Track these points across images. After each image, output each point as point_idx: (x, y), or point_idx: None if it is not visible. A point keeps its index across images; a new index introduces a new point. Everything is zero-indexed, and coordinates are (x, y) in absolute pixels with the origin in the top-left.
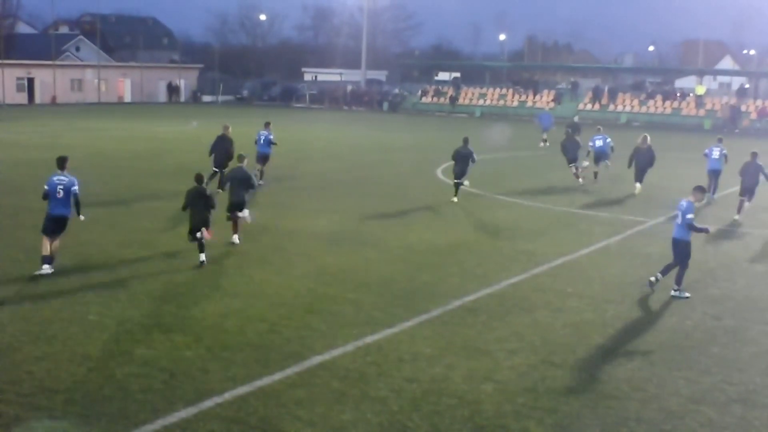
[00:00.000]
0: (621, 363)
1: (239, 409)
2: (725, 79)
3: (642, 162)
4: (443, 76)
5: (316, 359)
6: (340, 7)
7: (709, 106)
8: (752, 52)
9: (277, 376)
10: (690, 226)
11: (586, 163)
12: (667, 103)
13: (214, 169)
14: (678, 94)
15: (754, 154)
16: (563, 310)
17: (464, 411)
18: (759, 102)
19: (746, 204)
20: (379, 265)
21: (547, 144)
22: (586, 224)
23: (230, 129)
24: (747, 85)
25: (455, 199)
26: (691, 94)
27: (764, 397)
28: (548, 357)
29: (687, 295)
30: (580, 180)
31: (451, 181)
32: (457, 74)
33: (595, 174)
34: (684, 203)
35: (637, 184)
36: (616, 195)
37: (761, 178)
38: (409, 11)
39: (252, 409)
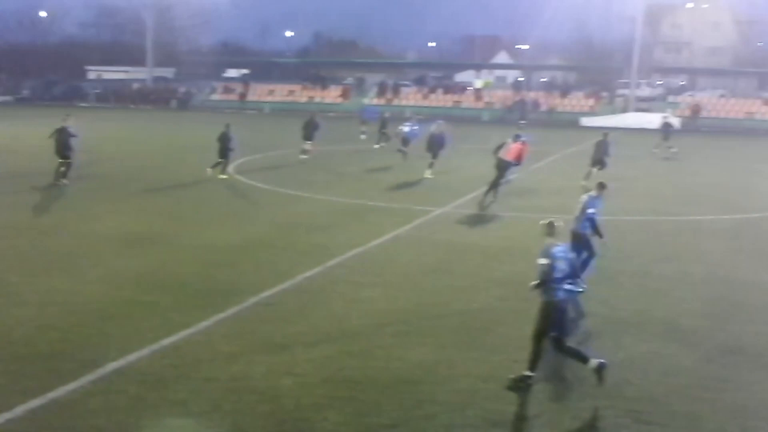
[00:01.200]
0: (414, 348)
1: (31, 424)
2: (501, 72)
3: (435, 146)
4: (232, 72)
5: (112, 365)
6: (124, 3)
7: (487, 99)
8: (525, 46)
9: (72, 386)
10: (591, 221)
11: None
12: (449, 96)
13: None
14: (468, 88)
15: (606, 134)
16: (358, 300)
17: (265, 407)
18: (533, 94)
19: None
20: (174, 265)
21: (364, 137)
22: (377, 215)
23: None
24: (521, 78)
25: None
26: (471, 88)
27: (547, 372)
28: (345, 347)
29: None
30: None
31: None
32: (246, 71)
33: (404, 153)
34: (586, 198)
35: (428, 170)
36: (406, 186)
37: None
38: (196, 8)
39: (45, 423)
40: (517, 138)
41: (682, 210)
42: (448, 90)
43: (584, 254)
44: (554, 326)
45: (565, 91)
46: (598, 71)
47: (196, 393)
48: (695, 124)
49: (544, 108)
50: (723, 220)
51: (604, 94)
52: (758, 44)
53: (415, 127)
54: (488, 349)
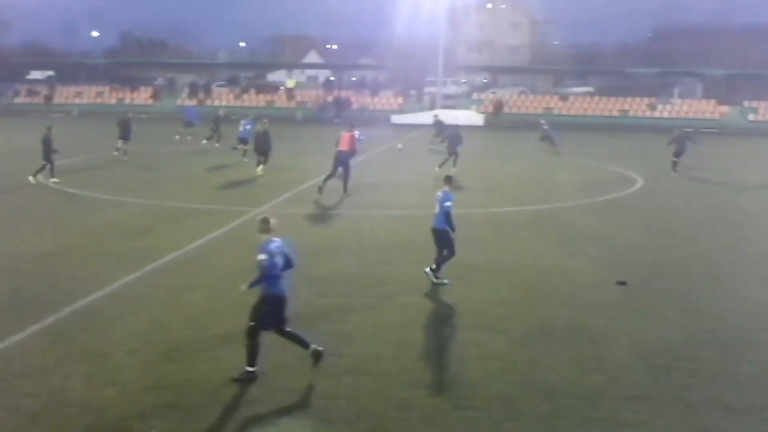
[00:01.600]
0: (238, 349)
1: None
2: (312, 72)
3: (262, 144)
4: (36, 74)
5: None
6: None
7: (299, 98)
8: (335, 46)
9: None
10: (447, 214)
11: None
12: (261, 96)
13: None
14: (280, 88)
15: (456, 126)
16: (179, 304)
17: (87, 419)
18: (344, 93)
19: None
20: None
21: (190, 138)
22: (196, 218)
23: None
24: (332, 78)
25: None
26: (282, 87)
27: (370, 365)
28: (168, 353)
29: (446, 281)
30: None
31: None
32: (51, 72)
33: (244, 152)
34: (441, 193)
35: (260, 167)
36: (226, 187)
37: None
38: None
39: None
40: (350, 129)
41: (486, 202)
42: (260, 90)
43: (444, 251)
44: (274, 318)
45: (375, 89)
46: (406, 70)
47: (13, 409)
48: (498, 120)
49: (355, 107)
50: (525, 211)
51: (412, 92)
52: (554, 43)
53: (248, 126)
54: None
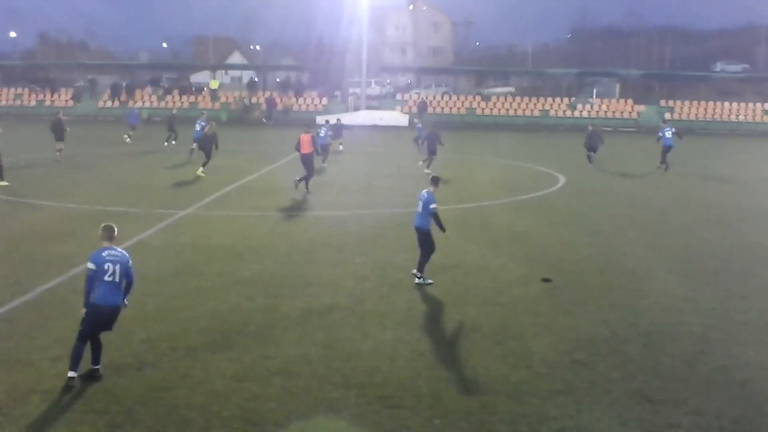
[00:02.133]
0: (166, 353)
1: None
2: (236, 73)
3: (206, 145)
4: None
5: None
6: None
7: (223, 99)
8: (258, 47)
9: None
10: (435, 216)
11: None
12: (184, 97)
13: None
14: (203, 89)
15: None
16: None
17: (12, 429)
18: (268, 93)
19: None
20: None
21: (129, 141)
22: (121, 221)
23: None
24: (256, 79)
25: None
26: (205, 89)
27: (299, 367)
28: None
29: (430, 281)
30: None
31: None
32: None
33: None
34: (425, 194)
35: (201, 168)
36: (151, 189)
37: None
38: None
39: None
40: (307, 131)
41: (412, 202)
42: (183, 91)
43: (424, 250)
44: (95, 326)
45: (299, 90)
46: (330, 71)
47: None
48: (422, 121)
49: (280, 108)
50: (451, 211)
51: (337, 93)
52: (476, 44)
53: (199, 127)
54: (240, 349)
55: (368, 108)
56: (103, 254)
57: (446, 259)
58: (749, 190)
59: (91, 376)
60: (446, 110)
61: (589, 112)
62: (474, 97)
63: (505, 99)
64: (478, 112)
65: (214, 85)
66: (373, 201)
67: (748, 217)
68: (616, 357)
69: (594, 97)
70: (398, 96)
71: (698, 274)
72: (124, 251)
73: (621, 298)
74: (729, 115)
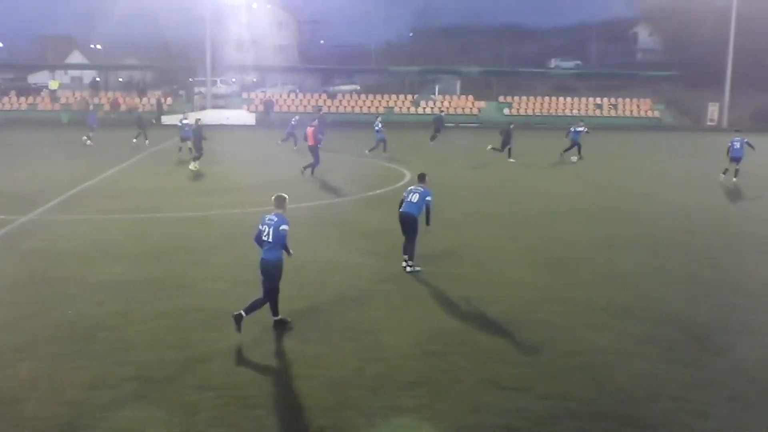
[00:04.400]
0: (13, 365)
1: None
2: (76, 73)
3: (199, 139)
4: None
5: None
6: None
7: (64, 100)
8: (99, 46)
9: None
10: (428, 207)
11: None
12: (23, 99)
13: None
14: (42, 90)
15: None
16: None
17: None
18: (110, 94)
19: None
20: None
21: (89, 142)
22: None
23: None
24: (98, 79)
25: None
26: (45, 89)
27: (153, 371)
28: None
29: (418, 268)
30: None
31: None
32: None
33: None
34: (420, 188)
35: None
36: None
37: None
38: None
39: None
40: (310, 123)
41: (263, 201)
42: (21, 92)
43: (412, 235)
44: None
45: (142, 90)
46: (174, 70)
47: None
48: (269, 119)
49: (124, 108)
50: (302, 208)
51: (181, 92)
52: (321, 42)
53: (186, 125)
54: (91, 356)
55: (214, 107)
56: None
57: (299, 258)
58: (592, 181)
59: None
60: (293, 108)
61: (432, 108)
62: (320, 95)
63: (351, 97)
64: (325, 109)
65: (53, 85)
66: (229, 201)
67: (594, 209)
68: (468, 347)
69: (436, 93)
70: (244, 95)
71: (544, 263)
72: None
73: (470, 289)
74: (564, 110)
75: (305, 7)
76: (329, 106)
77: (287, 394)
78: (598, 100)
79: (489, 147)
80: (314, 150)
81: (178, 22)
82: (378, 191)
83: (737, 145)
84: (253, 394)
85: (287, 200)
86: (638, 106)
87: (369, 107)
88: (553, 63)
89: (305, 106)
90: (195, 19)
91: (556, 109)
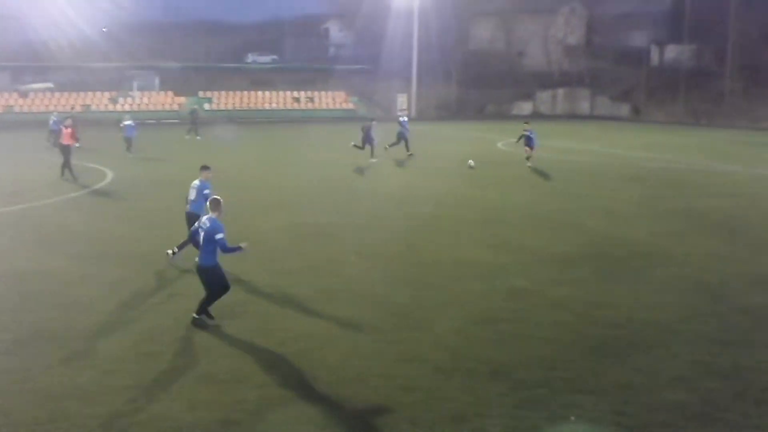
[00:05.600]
0: None
1: None
2: None
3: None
4: None
5: None
6: None
7: None
8: None
9: None
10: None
11: None
12: None
13: None
14: None
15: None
16: None
17: None
18: None
19: None
20: None
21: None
22: None
23: None
24: None
25: None
26: None
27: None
28: None
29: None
30: None
31: None
32: None
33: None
34: (198, 182)
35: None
36: None
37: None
38: None
39: None
40: (66, 125)
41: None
42: None
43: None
44: None
45: None
46: None
47: None
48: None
49: None
50: (2, 214)
51: None
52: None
53: (129, 122)
54: None
55: None
56: None
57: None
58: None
59: None
60: None
61: (131, 105)
62: (11, 94)
63: (44, 95)
64: (17, 109)
65: None
66: None
67: (295, 201)
68: (182, 344)
69: (135, 90)
70: None
71: (254, 257)
72: None
73: (178, 286)
74: (263, 104)
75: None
76: (22, 106)
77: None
78: (296, 94)
79: (352, 144)
80: (66, 150)
81: None
82: (81, 192)
83: (531, 134)
84: None
85: (222, 203)
86: (334, 99)
87: (64, 105)
88: (250, 58)
89: None
90: None
91: (256, 103)
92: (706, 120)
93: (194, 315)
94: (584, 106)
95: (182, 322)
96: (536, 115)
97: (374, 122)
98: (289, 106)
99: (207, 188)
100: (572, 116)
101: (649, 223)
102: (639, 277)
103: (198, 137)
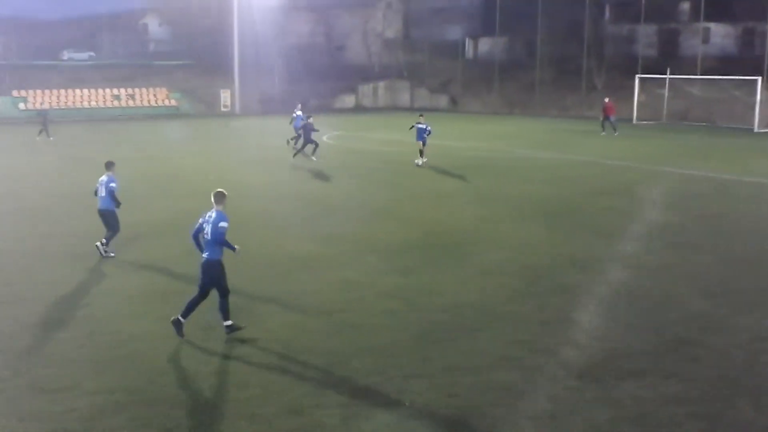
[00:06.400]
0: None
1: None
2: None
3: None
4: None
5: None
6: None
7: None
8: None
9: None
10: (112, 195)
11: None
12: None
13: None
14: None
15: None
16: None
17: None
18: None
19: None
20: None
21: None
22: None
23: None
24: None
25: None
26: None
27: None
28: None
29: (112, 254)
30: None
31: None
32: None
33: None
34: (105, 178)
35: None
36: None
37: None
38: None
39: None
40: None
41: None
42: None
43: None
44: None
45: None
46: None
47: None
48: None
49: None
50: None
51: None
52: None
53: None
54: None
55: None
56: None
57: None
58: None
59: None
60: None
61: None
62: None
63: None
64: None
65: None
66: None
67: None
68: (7, 354)
69: None
70: None
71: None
72: None
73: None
74: (82, 101)
75: None
76: None
77: None
78: (116, 91)
79: (288, 140)
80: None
81: None
82: None
83: (423, 127)
84: None
85: (226, 196)
86: (155, 96)
87: None
88: (66, 55)
89: None
90: None
91: (74, 102)
92: (520, 109)
93: (225, 324)
94: (405, 98)
95: (9, 329)
96: (359, 108)
97: (311, 120)
98: (109, 104)
99: (113, 182)
100: (394, 108)
101: (472, 209)
102: (464, 262)
103: (50, 138)
